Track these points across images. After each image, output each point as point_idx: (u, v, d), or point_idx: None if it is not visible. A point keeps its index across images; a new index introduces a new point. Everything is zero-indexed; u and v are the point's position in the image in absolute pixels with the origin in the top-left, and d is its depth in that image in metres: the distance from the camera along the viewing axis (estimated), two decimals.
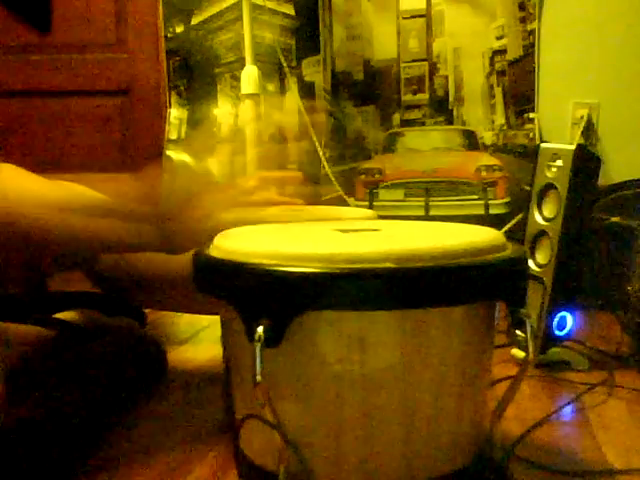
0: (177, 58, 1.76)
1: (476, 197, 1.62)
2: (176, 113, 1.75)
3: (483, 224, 0.62)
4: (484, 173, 1.62)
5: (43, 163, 0.71)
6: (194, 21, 1.74)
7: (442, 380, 0.52)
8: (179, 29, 1.75)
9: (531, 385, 0.86)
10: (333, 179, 1.66)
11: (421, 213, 1.64)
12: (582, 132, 1.56)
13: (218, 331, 0.64)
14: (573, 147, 0.89)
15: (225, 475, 0.62)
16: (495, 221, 1.57)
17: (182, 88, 1.76)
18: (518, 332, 0.53)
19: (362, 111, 1.69)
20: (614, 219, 1.18)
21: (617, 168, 1.47)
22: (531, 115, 1.60)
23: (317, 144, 1.63)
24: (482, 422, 0.57)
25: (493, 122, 1.63)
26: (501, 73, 1.62)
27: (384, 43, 1.68)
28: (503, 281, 0.53)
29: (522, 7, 1.59)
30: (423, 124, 1.67)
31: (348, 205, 1.63)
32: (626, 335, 0.98)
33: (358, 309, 0.49)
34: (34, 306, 0.89)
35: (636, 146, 1.54)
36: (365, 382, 0.50)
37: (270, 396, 0.49)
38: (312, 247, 0.51)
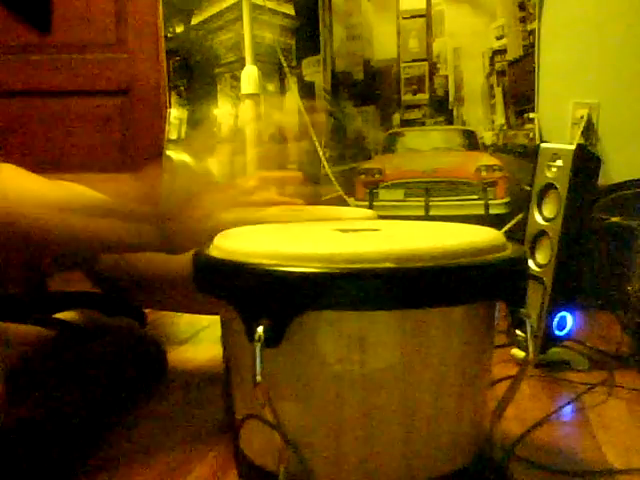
0: (177, 58, 1.76)
1: (476, 197, 1.62)
2: (176, 113, 1.75)
3: (483, 224, 0.62)
4: (484, 173, 1.62)
5: (43, 163, 0.71)
6: (194, 21, 1.74)
7: (442, 380, 0.52)
8: (179, 29, 1.75)
9: (531, 385, 0.86)
10: (333, 179, 1.66)
11: (421, 213, 1.64)
12: (582, 132, 1.56)
13: (218, 331, 0.64)
14: (573, 147, 0.89)
15: (225, 475, 0.62)
16: (495, 221, 1.57)
17: (182, 88, 1.76)
18: (518, 332, 0.53)
19: (362, 111, 1.69)
20: (614, 219, 1.18)
21: (617, 168, 1.47)
22: (531, 115, 1.60)
23: (317, 144, 1.62)
24: (482, 422, 0.57)
25: (493, 122, 1.63)
26: (501, 73, 1.62)
27: (384, 43, 1.68)
28: (503, 281, 0.53)
29: (522, 7, 1.59)
30: (423, 124, 1.67)
31: (348, 205, 1.63)
32: (626, 335, 0.98)
33: (358, 309, 0.49)
34: (34, 306, 0.89)
35: (636, 146, 1.54)
36: (365, 382, 0.50)
37: (270, 396, 0.49)
38: (312, 247, 0.51)
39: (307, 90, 1.70)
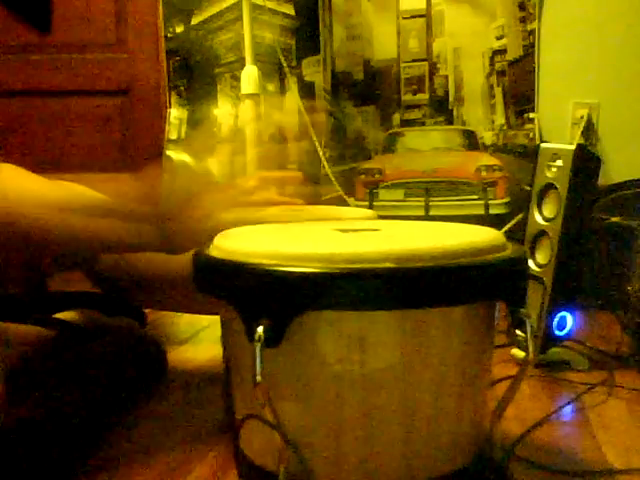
0: (177, 58, 1.76)
1: (476, 197, 1.62)
2: (176, 113, 1.75)
3: (483, 224, 0.62)
4: (484, 173, 1.62)
5: (43, 163, 0.71)
6: (194, 21, 1.74)
7: (442, 380, 0.52)
8: (179, 29, 1.75)
9: (531, 385, 0.86)
10: (333, 179, 1.66)
11: (421, 213, 1.64)
12: (582, 132, 1.56)
13: (218, 331, 0.64)
14: (573, 147, 0.89)
15: (225, 475, 0.62)
16: (495, 221, 1.57)
17: (182, 88, 1.76)
18: (518, 332, 0.53)
19: (362, 111, 1.69)
20: (614, 219, 1.18)
21: (617, 168, 1.47)
22: (531, 115, 1.60)
23: (317, 144, 1.62)
24: (482, 422, 0.57)
25: (493, 122, 1.63)
26: (501, 73, 1.62)
27: (384, 43, 1.68)
28: (503, 281, 0.53)
29: (522, 7, 1.59)
30: (423, 124, 1.67)
31: (348, 205, 1.63)
32: (626, 335, 0.98)
33: (358, 309, 0.49)
34: (34, 306, 0.89)
35: (636, 146, 1.54)
36: (365, 382, 0.50)
37: (270, 396, 0.49)
38: (312, 247, 0.51)
39: (307, 90, 1.70)
